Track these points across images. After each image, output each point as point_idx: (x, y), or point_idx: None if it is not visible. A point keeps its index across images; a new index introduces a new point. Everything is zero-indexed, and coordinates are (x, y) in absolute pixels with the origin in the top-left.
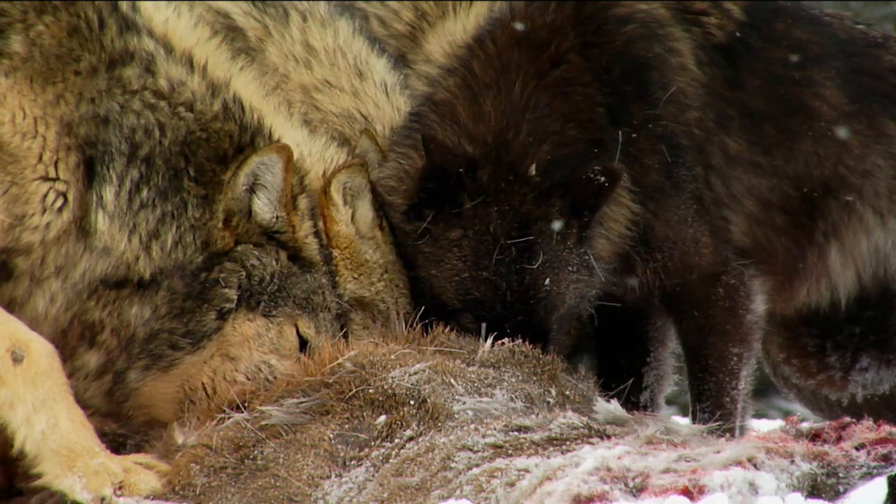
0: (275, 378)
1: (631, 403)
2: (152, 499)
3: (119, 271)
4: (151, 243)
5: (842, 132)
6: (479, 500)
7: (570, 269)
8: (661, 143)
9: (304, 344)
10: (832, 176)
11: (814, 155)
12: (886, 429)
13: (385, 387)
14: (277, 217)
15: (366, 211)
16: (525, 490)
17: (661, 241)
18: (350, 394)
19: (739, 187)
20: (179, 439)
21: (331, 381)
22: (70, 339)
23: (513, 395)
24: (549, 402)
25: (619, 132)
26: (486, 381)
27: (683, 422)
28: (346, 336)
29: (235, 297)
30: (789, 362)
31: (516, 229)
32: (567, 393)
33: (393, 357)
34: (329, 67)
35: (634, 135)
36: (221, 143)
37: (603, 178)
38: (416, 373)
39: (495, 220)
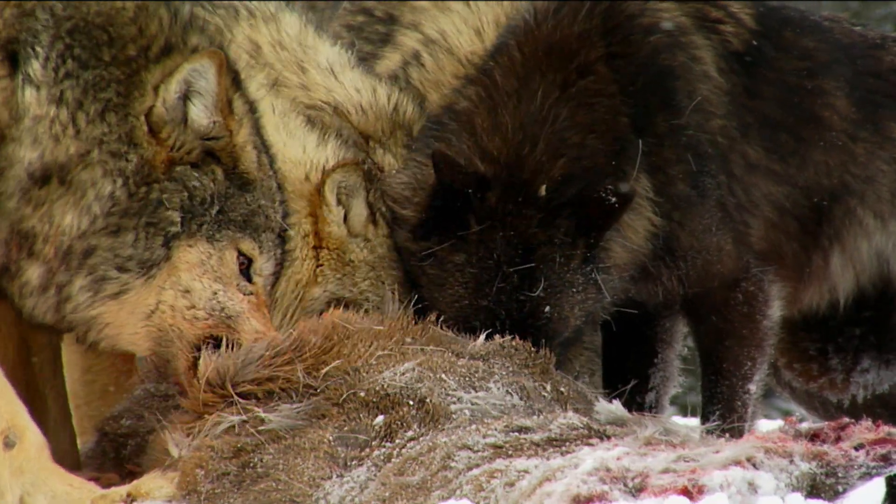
0: (227, 315)
1: (636, 404)
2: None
3: (46, 157)
4: (77, 114)
5: (850, 141)
6: (479, 499)
7: (573, 290)
8: (687, 152)
9: (249, 264)
10: (839, 184)
11: (823, 164)
12: (885, 429)
13: (377, 388)
14: (214, 122)
15: (359, 210)
16: (524, 490)
17: (685, 251)
18: (341, 399)
19: (758, 194)
20: (175, 452)
21: (318, 389)
22: (13, 254)
23: (508, 389)
24: (544, 397)
25: (641, 141)
26: (477, 375)
27: (684, 422)
28: (283, 256)
29: (179, 220)
30: (791, 367)
31: (520, 255)
32: (562, 389)
33: (374, 361)
34: (275, 65)
35: (659, 145)
36: (144, 32)
37: (614, 199)
38: (405, 372)
39: (499, 247)
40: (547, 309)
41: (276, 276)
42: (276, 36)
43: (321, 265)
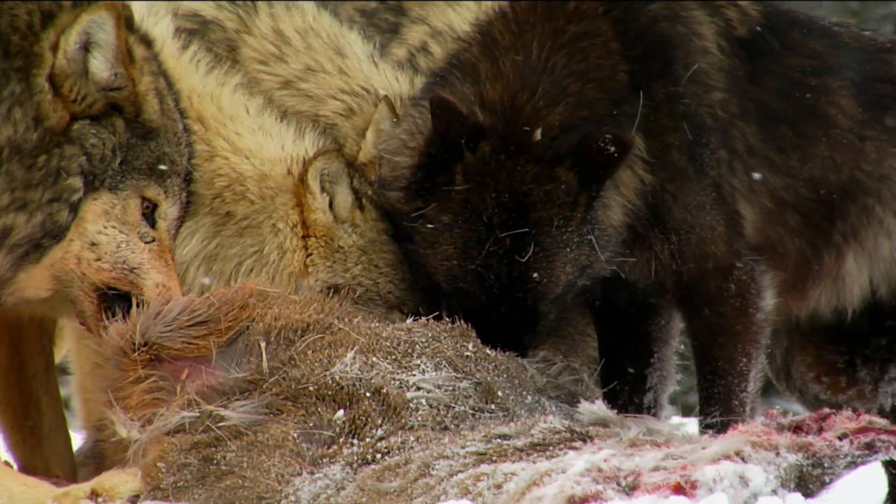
0: (129, 268)
1: (634, 405)
2: (136, 500)
3: None
4: None
5: (857, 139)
6: (467, 501)
7: (567, 250)
8: (684, 121)
9: (154, 208)
10: (849, 180)
11: (829, 160)
12: (866, 418)
13: (329, 381)
14: (116, 74)
15: (344, 196)
16: (513, 493)
17: (678, 224)
18: (292, 394)
19: (756, 178)
20: (123, 433)
21: (264, 385)
22: None
23: (436, 363)
24: (468, 357)
25: (642, 99)
26: (400, 349)
27: (683, 422)
28: (189, 198)
29: (81, 185)
30: (819, 380)
31: (513, 219)
32: (489, 353)
33: (309, 351)
34: (305, 52)
35: (656, 111)
36: (17, 18)
37: (613, 149)
38: (353, 362)
39: (490, 208)
40: (535, 275)
41: (181, 220)
42: (311, 23)
43: (310, 254)
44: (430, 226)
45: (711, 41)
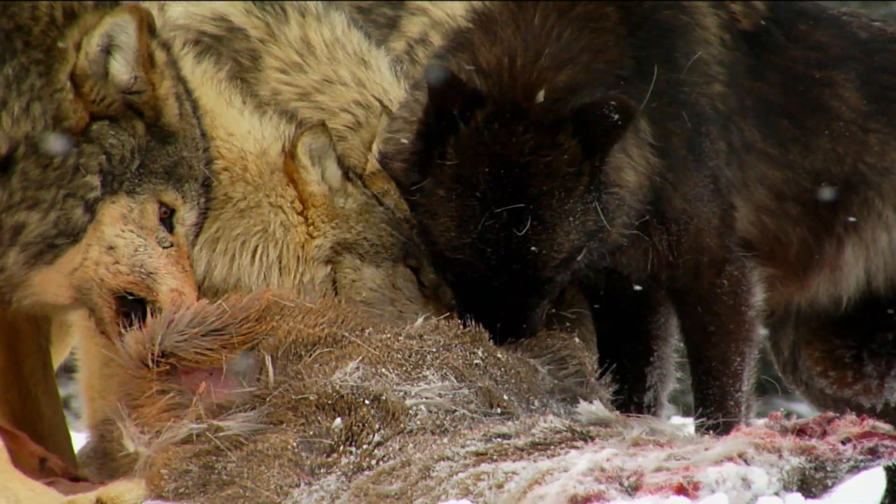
0: (146, 272)
1: (634, 404)
2: None
3: None
4: (2, 114)
5: (860, 131)
6: (468, 501)
7: (570, 219)
8: (683, 109)
9: (171, 213)
10: (852, 172)
11: (832, 152)
12: (870, 423)
13: (328, 390)
14: (136, 77)
15: (333, 168)
16: (514, 493)
17: (677, 214)
18: (293, 404)
19: (752, 174)
20: (130, 447)
21: (266, 397)
22: None
23: (443, 374)
24: (476, 364)
25: (650, 84)
26: (411, 360)
27: (683, 422)
28: (208, 204)
29: (99, 183)
30: (826, 375)
31: (509, 193)
32: (499, 356)
33: (316, 365)
34: (328, 63)
35: (658, 98)
36: (38, 9)
37: (616, 116)
38: (354, 371)
39: (483, 183)
40: (536, 246)
41: (199, 226)
42: (339, 36)
43: (311, 223)
44: (427, 199)
45: (714, 33)
